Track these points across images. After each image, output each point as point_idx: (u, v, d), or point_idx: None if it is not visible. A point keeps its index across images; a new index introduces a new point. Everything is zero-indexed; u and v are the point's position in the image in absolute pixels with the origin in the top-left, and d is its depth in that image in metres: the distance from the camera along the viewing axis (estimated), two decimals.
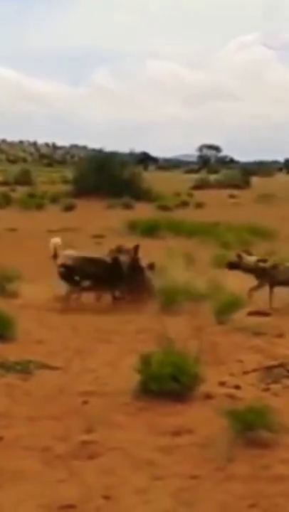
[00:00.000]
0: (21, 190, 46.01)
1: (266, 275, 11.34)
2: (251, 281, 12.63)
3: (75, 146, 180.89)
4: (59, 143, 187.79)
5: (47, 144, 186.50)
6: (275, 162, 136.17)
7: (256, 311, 10.15)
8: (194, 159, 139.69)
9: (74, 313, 10.43)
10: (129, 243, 16.00)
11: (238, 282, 12.51)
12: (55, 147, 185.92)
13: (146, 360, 6.54)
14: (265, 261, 11.69)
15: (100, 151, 50.86)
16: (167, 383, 6.37)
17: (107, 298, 11.56)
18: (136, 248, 12.05)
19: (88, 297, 11.59)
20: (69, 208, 33.40)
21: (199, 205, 36.45)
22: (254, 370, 7.42)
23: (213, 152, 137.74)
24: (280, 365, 7.55)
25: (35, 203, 35.60)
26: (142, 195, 40.80)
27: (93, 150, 66.03)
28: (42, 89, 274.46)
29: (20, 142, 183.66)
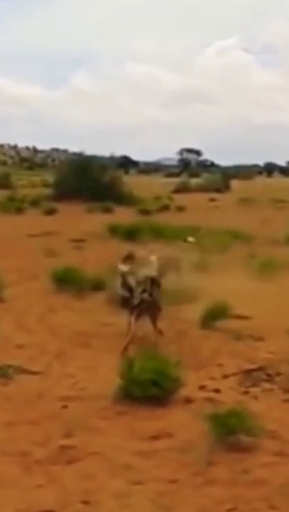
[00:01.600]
0: (1, 194, 45.84)
1: None
2: (233, 284, 12.67)
3: (55, 150, 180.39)
4: (40, 146, 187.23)
5: (27, 148, 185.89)
6: (255, 166, 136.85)
7: (238, 314, 10.15)
8: (175, 163, 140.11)
9: (53, 317, 10.38)
10: (109, 248, 16.02)
11: (219, 285, 12.55)
12: (35, 151, 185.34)
13: (128, 365, 6.52)
14: None
15: (80, 155, 50.82)
16: (148, 388, 6.36)
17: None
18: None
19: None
20: (49, 212, 33.28)
21: (180, 209, 36.47)
22: (234, 374, 7.43)
23: (194, 156, 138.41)
24: (260, 369, 7.57)
25: (14, 206, 35.44)
26: (123, 199, 40.75)
27: (74, 154, 65.92)
28: (21, 92, 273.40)
29: (1, 146, 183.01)
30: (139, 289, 8.38)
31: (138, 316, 8.42)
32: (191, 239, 19.60)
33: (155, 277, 8.49)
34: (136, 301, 8.38)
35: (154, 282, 8.45)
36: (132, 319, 8.41)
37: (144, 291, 8.41)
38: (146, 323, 9.45)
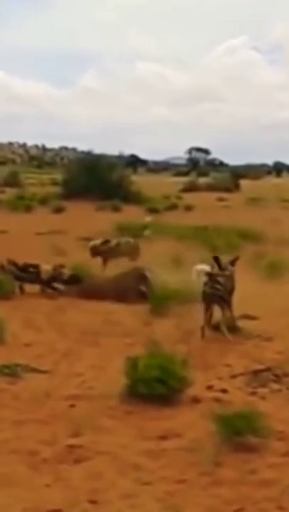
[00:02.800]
0: (10, 192, 45.91)
1: None
2: (241, 284, 12.66)
3: (64, 148, 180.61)
4: (48, 145, 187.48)
5: (36, 146, 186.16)
6: (264, 165, 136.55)
7: (246, 314, 10.13)
8: (183, 162, 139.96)
9: (61, 316, 10.40)
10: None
11: None
12: (44, 149, 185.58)
13: (133, 364, 6.52)
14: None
15: (89, 153, 50.85)
16: (154, 386, 6.36)
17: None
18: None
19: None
20: (58, 210, 33.31)
21: (188, 208, 36.44)
22: (241, 374, 7.42)
23: (203, 155, 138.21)
24: (268, 369, 7.56)
25: (23, 204, 35.49)
26: (131, 197, 40.77)
27: (82, 152, 65.92)
28: (31, 91, 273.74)
29: (10, 144, 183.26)
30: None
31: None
32: (147, 231, 19.94)
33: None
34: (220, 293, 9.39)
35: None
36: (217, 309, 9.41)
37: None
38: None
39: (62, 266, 12.58)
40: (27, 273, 12.19)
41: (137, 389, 6.39)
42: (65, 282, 12.14)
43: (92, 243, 15.54)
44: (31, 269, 12.21)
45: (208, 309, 9.39)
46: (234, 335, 9.10)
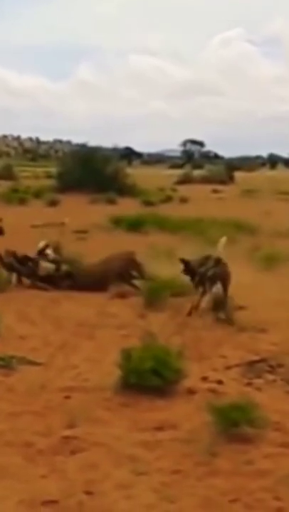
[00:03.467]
0: (4, 185, 45.81)
1: None
2: (236, 275, 12.65)
3: (58, 141, 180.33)
4: (43, 138, 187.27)
5: (30, 139, 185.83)
6: (259, 157, 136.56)
7: (240, 306, 10.14)
8: (178, 154, 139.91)
9: (56, 308, 10.39)
10: (113, 239, 16.03)
11: None
12: (38, 142, 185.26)
13: (127, 355, 6.52)
14: None
15: (83, 146, 50.74)
16: (149, 378, 6.36)
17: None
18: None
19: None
20: (53, 203, 33.26)
21: (183, 200, 36.43)
22: (237, 365, 7.43)
23: (197, 147, 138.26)
24: (263, 361, 7.57)
25: (18, 197, 35.42)
26: (126, 190, 40.73)
27: (77, 145, 65.81)
28: (25, 84, 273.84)
29: (4, 137, 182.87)
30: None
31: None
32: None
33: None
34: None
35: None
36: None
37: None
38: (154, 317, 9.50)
39: (47, 245, 12.51)
40: (25, 266, 12.15)
41: (131, 380, 6.38)
42: (61, 278, 12.06)
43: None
44: (30, 263, 12.16)
45: (206, 292, 9.88)
46: (228, 325, 9.13)
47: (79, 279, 11.85)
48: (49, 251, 12.55)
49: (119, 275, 11.82)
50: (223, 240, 10.54)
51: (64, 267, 12.19)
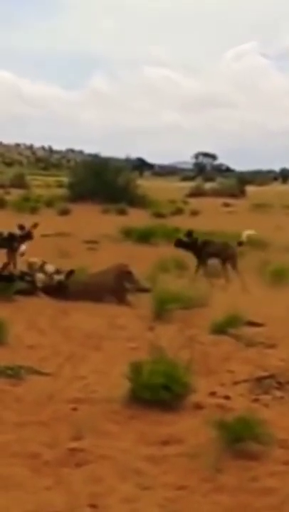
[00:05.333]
0: (16, 193, 45.98)
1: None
2: (245, 291, 12.64)
3: (71, 151, 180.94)
4: (55, 147, 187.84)
5: (43, 148, 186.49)
6: (271, 171, 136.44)
7: (249, 321, 10.13)
8: (190, 166, 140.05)
9: (65, 319, 10.39)
10: (122, 250, 16.06)
11: (232, 291, 12.55)
12: (51, 151, 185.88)
13: (137, 369, 6.52)
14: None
15: (96, 156, 50.93)
16: (158, 392, 6.35)
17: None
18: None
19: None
20: (64, 213, 33.38)
21: (194, 213, 36.48)
22: (244, 381, 7.40)
23: (209, 160, 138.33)
24: (271, 376, 7.54)
25: (29, 206, 35.55)
26: (137, 201, 40.85)
27: (89, 155, 66.05)
28: (38, 92, 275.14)
29: (17, 145, 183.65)
30: None
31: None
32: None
33: None
34: None
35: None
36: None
37: None
38: (166, 331, 9.50)
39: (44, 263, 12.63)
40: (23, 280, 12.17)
41: (141, 394, 6.38)
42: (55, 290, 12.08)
43: None
44: (27, 277, 12.20)
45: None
46: (237, 341, 9.12)
47: (73, 291, 11.88)
48: (49, 266, 12.67)
49: (112, 289, 11.90)
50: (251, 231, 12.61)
51: (57, 278, 12.22)
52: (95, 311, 10.92)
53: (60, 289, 11.96)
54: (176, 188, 68.57)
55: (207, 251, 14.83)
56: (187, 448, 5.56)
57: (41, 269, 12.79)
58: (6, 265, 13.12)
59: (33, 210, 33.82)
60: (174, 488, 4.90)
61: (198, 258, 14.80)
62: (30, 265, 13.03)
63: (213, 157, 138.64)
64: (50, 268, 12.75)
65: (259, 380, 7.45)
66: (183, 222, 27.80)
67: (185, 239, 15.22)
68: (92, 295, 11.68)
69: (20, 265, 13.85)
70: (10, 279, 11.96)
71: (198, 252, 14.84)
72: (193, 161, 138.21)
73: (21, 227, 15.67)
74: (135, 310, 11.12)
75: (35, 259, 13.03)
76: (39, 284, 12.11)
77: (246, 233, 14.88)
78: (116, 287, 11.96)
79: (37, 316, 10.41)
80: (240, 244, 14.93)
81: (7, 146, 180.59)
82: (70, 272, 12.27)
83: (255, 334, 9.46)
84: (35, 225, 15.85)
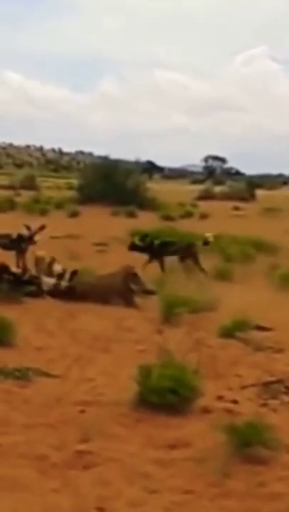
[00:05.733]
0: (26, 195, 46.06)
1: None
2: (254, 294, 12.63)
3: (80, 153, 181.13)
4: (65, 149, 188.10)
5: (53, 150, 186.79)
6: (280, 175, 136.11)
7: (257, 325, 10.10)
8: (200, 170, 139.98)
9: (73, 321, 10.40)
10: (132, 253, 16.05)
11: (241, 295, 12.51)
12: (61, 153, 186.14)
13: (146, 373, 6.51)
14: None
15: (105, 159, 50.96)
16: (166, 396, 6.35)
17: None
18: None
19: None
20: (73, 215, 33.40)
21: (203, 216, 36.42)
22: (252, 385, 7.39)
23: (219, 163, 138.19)
24: (279, 381, 7.53)
25: (39, 208, 35.60)
26: (147, 204, 40.85)
27: (99, 157, 66.11)
28: (48, 95, 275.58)
29: (27, 147, 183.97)
30: None
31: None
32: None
33: None
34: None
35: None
36: None
37: None
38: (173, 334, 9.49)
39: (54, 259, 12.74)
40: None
41: (149, 398, 6.37)
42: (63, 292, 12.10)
43: None
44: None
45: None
46: (245, 345, 9.10)
47: (80, 292, 11.91)
48: (57, 266, 12.76)
49: (119, 291, 11.95)
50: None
51: (64, 285, 12.27)
52: (103, 314, 10.93)
53: (68, 292, 12.01)
54: (186, 191, 68.50)
55: (167, 251, 15.67)
56: (195, 452, 5.55)
57: (49, 267, 12.86)
58: (25, 269, 13.10)
59: (43, 212, 33.86)
60: (181, 492, 4.89)
61: (152, 259, 15.60)
62: (38, 260, 13.08)
63: (223, 160, 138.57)
64: (57, 268, 12.82)
65: (267, 384, 7.44)
66: (192, 226, 27.77)
67: (139, 243, 16.05)
68: (100, 297, 11.74)
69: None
70: (31, 283, 12.02)
71: (155, 253, 15.66)
72: (203, 164, 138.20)
73: (28, 228, 15.72)
74: (143, 313, 11.12)
75: (43, 253, 13.06)
76: (45, 288, 12.14)
77: (208, 235, 16.28)
78: (123, 289, 12.00)
79: (45, 318, 10.42)
80: (205, 243, 16.14)
81: (17, 148, 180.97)
82: (74, 272, 12.37)
83: (263, 338, 9.44)
84: (42, 227, 15.87)
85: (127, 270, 12.36)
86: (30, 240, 15.41)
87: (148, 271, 13.90)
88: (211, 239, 16.18)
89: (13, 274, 12.01)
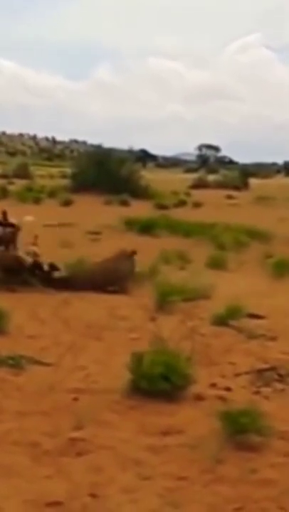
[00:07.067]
0: (19, 184, 45.96)
1: None
2: (248, 282, 12.64)
3: (74, 141, 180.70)
4: (59, 137, 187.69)
5: (47, 138, 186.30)
6: (274, 164, 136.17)
7: (251, 313, 10.12)
8: (193, 158, 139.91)
9: (66, 309, 10.40)
10: (125, 241, 16.04)
11: (234, 283, 12.53)
12: (54, 141, 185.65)
13: (138, 360, 6.52)
14: None
15: (99, 147, 50.88)
16: (158, 383, 6.36)
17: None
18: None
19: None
20: (67, 203, 33.35)
21: (197, 205, 36.42)
22: (246, 373, 7.40)
23: (213, 152, 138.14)
24: (272, 369, 7.54)
25: (32, 196, 35.54)
26: (140, 192, 40.81)
27: (92, 146, 65.96)
28: (43, 83, 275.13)
29: (20, 135, 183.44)
30: None
31: None
32: (28, 218, 20.66)
33: None
34: None
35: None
36: None
37: None
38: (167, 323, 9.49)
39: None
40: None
41: (141, 385, 6.38)
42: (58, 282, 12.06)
43: None
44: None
45: None
46: (238, 333, 9.12)
47: (76, 282, 11.89)
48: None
49: (115, 274, 12.03)
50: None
51: (58, 273, 12.27)
52: (97, 302, 10.93)
53: (63, 283, 11.99)
54: (179, 179, 68.50)
55: None
56: (187, 439, 5.56)
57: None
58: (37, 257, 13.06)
59: (36, 201, 33.80)
60: (174, 479, 4.90)
61: None
62: (29, 255, 12.98)
63: (217, 149, 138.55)
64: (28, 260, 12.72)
65: (260, 372, 7.45)
66: (185, 214, 27.80)
67: None
68: (99, 283, 11.78)
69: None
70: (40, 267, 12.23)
71: None
72: (197, 152, 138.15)
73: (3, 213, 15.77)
74: (137, 301, 11.12)
75: (35, 248, 13.00)
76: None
77: (26, 219, 16.50)
78: (119, 270, 12.07)
79: (38, 307, 10.42)
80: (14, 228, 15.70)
81: (10, 136, 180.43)
82: (52, 266, 12.31)
83: (256, 326, 9.46)
84: (3, 213, 15.91)
85: (123, 253, 12.53)
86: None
87: (143, 258, 13.88)
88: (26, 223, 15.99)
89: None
